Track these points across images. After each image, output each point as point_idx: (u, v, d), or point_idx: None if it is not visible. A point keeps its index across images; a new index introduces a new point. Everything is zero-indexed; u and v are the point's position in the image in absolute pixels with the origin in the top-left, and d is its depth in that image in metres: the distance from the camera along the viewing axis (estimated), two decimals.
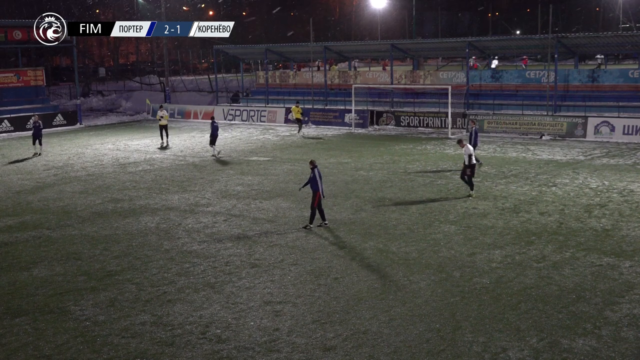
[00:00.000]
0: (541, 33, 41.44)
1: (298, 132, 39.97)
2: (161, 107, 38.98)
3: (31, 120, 37.94)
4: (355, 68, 76.91)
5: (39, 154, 34.11)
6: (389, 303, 13.52)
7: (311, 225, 19.02)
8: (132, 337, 12.30)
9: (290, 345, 11.82)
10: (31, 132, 35.82)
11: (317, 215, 19.07)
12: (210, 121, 33.20)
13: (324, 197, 19.08)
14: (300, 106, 41.47)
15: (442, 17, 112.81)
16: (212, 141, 32.34)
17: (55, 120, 46.55)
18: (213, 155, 32.20)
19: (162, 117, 36.55)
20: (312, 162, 19.37)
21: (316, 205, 18.95)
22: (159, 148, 35.79)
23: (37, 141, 34.50)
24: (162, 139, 36.83)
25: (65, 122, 46.83)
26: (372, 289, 14.32)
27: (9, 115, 44.67)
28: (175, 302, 13.93)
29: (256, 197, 23.01)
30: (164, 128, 36.80)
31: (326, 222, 19.19)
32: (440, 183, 24.54)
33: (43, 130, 35.39)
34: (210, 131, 32.59)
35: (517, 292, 13.90)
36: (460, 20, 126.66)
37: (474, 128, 27.35)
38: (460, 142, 23.08)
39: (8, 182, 27.17)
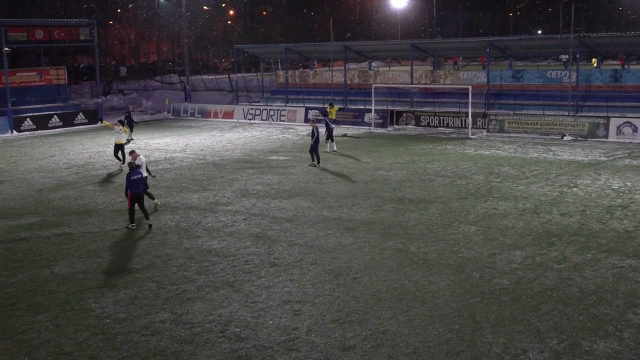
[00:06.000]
0: (563, 33, 41.14)
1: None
2: (120, 122, 30.58)
3: (127, 110, 39.79)
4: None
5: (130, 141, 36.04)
6: (408, 303, 13.48)
7: (148, 221, 19.58)
8: (152, 335, 12.37)
9: (309, 344, 11.82)
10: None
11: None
12: (323, 118, 33.67)
13: (129, 200, 19.39)
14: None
15: (462, 17, 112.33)
16: (329, 136, 32.42)
17: (76, 118, 46.94)
18: (326, 151, 32.04)
19: (119, 132, 29.58)
20: (130, 163, 19.88)
21: (130, 206, 19.42)
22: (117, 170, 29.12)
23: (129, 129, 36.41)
24: (119, 159, 29.57)
25: (86, 120, 47.18)
26: (391, 289, 14.29)
27: (31, 114, 45.11)
28: (195, 300, 13.98)
29: (276, 196, 23.05)
30: (120, 148, 29.42)
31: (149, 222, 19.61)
32: (460, 183, 24.45)
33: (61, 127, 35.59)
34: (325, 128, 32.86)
35: (537, 293, 13.81)
36: (481, 19, 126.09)
37: (314, 127, 28.17)
38: (131, 153, 21.94)
39: (30, 180, 27.43)
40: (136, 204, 19.49)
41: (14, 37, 45.58)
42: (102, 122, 37.17)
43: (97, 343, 12.10)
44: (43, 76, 49.28)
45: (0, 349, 11.99)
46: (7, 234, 19.49)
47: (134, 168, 19.55)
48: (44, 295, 14.57)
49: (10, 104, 43.53)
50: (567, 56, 66.40)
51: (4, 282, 15.41)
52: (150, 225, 19.56)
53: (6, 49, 43.44)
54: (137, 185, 19.33)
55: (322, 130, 31.18)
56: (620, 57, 53.19)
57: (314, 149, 28.49)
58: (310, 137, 28.87)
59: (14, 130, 43.34)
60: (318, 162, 28.41)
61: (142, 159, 21.60)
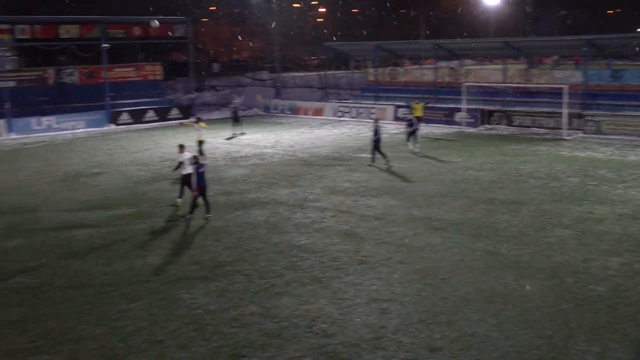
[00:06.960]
0: None
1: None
2: (198, 119, 31.11)
3: (232, 105, 42.57)
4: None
5: (239, 135, 39.36)
6: (498, 306, 13.21)
7: (191, 216, 20.20)
8: (241, 327, 12.56)
9: (396, 343, 11.74)
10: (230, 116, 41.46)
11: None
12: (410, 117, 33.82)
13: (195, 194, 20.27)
14: None
15: (558, 14, 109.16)
16: (412, 135, 32.22)
17: (170, 113, 48.24)
18: (411, 149, 31.81)
19: (198, 129, 30.02)
20: (195, 157, 20.63)
21: (194, 198, 20.24)
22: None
23: (236, 123, 40.16)
24: (202, 153, 29.28)
25: (180, 115, 48.33)
26: (480, 291, 14.04)
27: (128, 108, 46.63)
28: (283, 294, 14.12)
29: (364, 194, 23.01)
30: (202, 144, 29.94)
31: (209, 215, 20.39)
32: (553, 185, 23.77)
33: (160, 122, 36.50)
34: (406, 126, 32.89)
35: (635, 302, 13.27)
36: (577, 17, 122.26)
37: (376, 126, 28.27)
38: (181, 147, 21.91)
39: (127, 173, 28.35)
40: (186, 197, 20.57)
41: (113, 34, 47.32)
42: (182, 124, 38.15)
43: (188, 333, 12.39)
44: (139, 72, 50.86)
45: (96, 335, 12.43)
46: (105, 223, 20.20)
47: (198, 162, 20.31)
48: (138, 284, 15.03)
49: (108, 98, 45.17)
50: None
51: (101, 271, 15.99)
52: (207, 219, 20.18)
53: (106, 45, 45.06)
54: (203, 178, 20.18)
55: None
56: None
57: (376, 148, 28.35)
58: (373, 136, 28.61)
59: (111, 124, 44.97)
60: (372, 161, 28.52)
61: (186, 155, 21.55)
